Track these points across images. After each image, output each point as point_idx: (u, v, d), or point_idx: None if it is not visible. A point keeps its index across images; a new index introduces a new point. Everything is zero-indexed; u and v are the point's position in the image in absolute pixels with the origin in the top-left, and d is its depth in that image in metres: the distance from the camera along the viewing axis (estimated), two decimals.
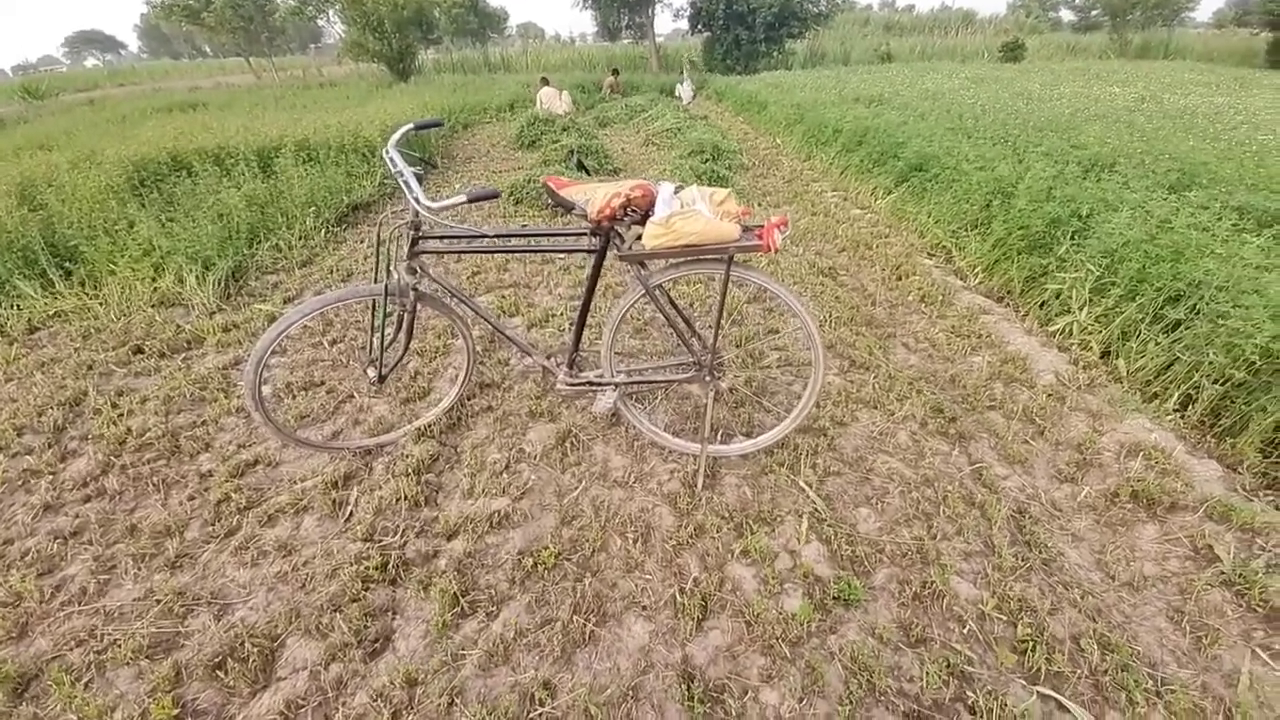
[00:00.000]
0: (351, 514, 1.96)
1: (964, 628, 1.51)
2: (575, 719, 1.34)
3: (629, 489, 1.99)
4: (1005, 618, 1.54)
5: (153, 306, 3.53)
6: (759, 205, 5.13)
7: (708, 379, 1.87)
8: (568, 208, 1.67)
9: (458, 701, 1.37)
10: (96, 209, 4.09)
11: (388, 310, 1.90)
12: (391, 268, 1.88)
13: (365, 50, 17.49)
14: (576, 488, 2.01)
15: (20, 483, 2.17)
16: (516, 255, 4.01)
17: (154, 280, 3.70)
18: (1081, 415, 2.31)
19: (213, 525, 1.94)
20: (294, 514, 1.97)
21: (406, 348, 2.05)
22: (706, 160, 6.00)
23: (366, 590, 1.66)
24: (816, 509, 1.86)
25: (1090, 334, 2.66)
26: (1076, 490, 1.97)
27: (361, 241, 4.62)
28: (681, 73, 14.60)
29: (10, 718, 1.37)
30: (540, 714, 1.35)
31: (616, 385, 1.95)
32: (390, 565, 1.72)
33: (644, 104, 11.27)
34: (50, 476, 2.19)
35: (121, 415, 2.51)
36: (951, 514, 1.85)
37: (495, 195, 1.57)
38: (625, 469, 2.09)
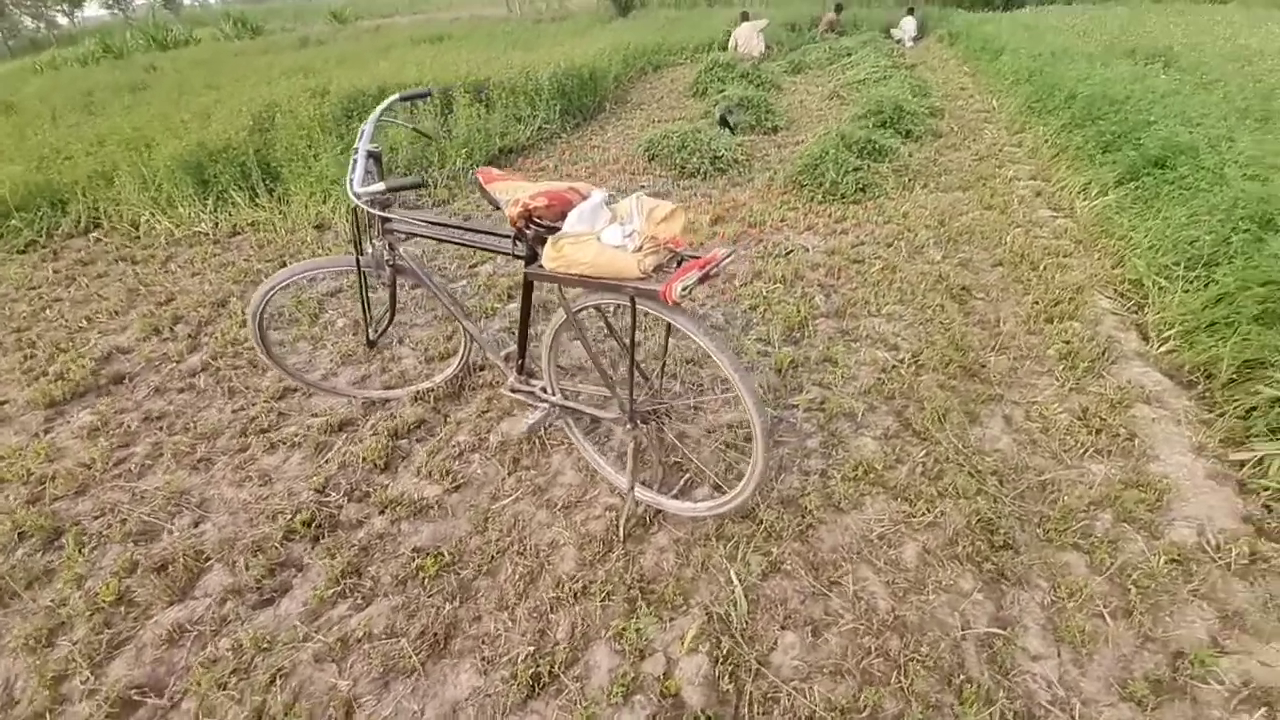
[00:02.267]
0: (327, 461, 2.14)
1: None
2: None
3: (554, 514, 1.84)
4: None
5: (315, 228, 4.18)
6: (924, 188, 4.18)
7: (627, 425, 1.58)
8: (495, 205, 1.49)
9: (277, 682, 1.43)
10: (301, 137, 4.90)
11: (370, 281, 2.00)
12: (370, 242, 1.92)
13: None
14: (509, 496, 1.92)
15: (156, 364, 2.78)
16: None
17: (320, 205, 4.36)
18: (1210, 607, 1.48)
19: (237, 439, 2.27)
20: (289, 447, 2.21)
21: (391, 317, 2.11)
22: (877, 124, 5.00)
23: (287, 541, 1.81)
24: (732, 612, 1.51)
25: None
26: None
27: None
28: (910, 12, 12.34)
29: (31, 562, 1.79)
30: None
31: (552, 405, 1.77)
32: (314, 523, 1.85)
33: (854, 46, 9.79)
34: (176, 364, 2.76)
35: (240, 324, 3.05)
36: (905, 688, 1.35)
37: (418, 185, 1.53)
38: (570, 489, 1.93)
